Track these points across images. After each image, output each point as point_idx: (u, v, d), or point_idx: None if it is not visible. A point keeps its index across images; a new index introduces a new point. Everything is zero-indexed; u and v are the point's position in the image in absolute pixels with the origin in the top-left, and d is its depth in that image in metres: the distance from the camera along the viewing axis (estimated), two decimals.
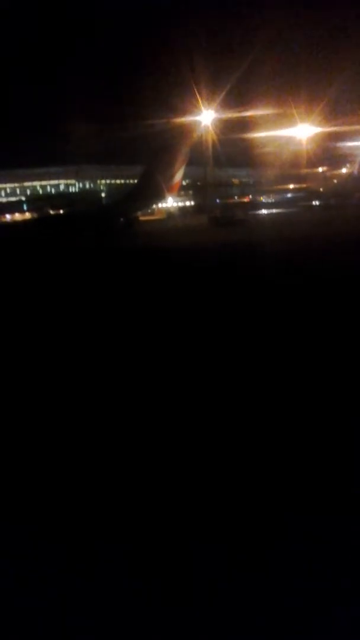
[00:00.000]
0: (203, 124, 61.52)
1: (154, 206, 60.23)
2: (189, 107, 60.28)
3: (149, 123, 57.93)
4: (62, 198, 62.87)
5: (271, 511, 5.29)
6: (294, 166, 68.60)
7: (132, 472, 6.17)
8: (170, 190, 55.88)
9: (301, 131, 67.33)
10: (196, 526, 5.12)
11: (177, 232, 45.15)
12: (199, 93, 60.13)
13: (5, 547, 5.03)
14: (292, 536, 4.91)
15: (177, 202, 64.66)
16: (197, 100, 60.32)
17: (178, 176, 55.56)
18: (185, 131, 56.63)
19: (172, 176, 54.47)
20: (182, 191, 65.67)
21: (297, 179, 69.74)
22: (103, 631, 4.06)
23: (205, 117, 61.97)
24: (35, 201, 61.10)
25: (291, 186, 69.64)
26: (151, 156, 56.58)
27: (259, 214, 57.66)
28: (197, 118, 61.40)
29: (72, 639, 4.05)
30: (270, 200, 67.17)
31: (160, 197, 56.59)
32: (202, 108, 61.44)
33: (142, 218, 55.47)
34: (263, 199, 67.75)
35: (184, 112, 60.65)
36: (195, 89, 59.49)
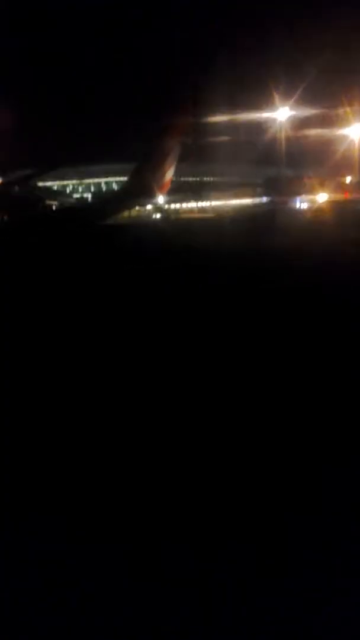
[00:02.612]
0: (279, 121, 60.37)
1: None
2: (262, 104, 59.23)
3: (212, 121, 57.43)
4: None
5: (271, 511, 5.29)
6: None
7: (132, 472, 6.14)
8: (160, 189, 56.15)
9: None
10: (196, 526, 5.09)
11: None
12: (276, 89, 58.88)
13: (5, 547, 5.00)
14: (292, 536, 4.92)
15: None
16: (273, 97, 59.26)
17: (168, 175, 55.89)
18: (175, 131, 56.46)
19: (162, 175, 54.89)
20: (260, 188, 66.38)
21: None
22: (103, 631, 4.03)
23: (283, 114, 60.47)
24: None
25: None
26: (142, 155, 56.91)
27: None
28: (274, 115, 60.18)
29: (72, 638, 4.00)
30: None
31: (150, 195, 56.68)
32: (279, 105, 59.95)
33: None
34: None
35: (256, 109, 59.52)
36: (272, 85, 58.34)
